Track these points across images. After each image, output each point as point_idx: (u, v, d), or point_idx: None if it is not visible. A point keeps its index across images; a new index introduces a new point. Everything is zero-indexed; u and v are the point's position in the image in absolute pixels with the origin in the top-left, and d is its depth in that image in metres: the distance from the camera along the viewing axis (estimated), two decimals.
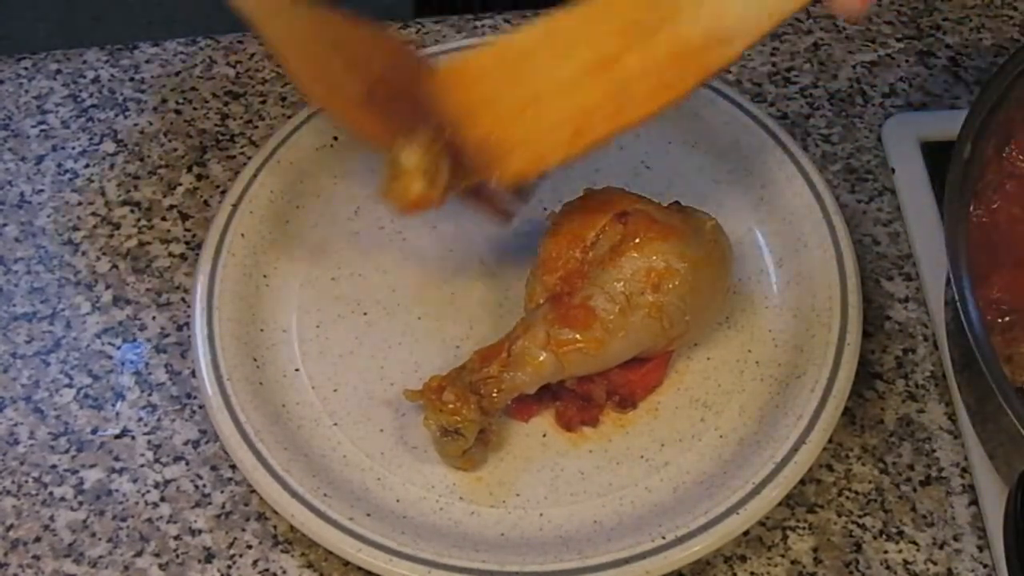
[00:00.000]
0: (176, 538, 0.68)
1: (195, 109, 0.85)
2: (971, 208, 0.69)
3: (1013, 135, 0.71)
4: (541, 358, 0.67)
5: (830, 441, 0.70)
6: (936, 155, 0.80)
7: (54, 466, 0.71)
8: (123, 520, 0.69)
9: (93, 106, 0.86)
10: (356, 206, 0.79)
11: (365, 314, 0.75)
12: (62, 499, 0.69)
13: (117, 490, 0.70)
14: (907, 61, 0.87)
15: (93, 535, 0.68)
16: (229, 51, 0.88)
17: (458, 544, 0.65)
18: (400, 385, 0.71)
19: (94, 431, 0.72)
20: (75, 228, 0.80)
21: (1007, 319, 0.66)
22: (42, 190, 0.82)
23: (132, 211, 0.81)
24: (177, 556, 0.67)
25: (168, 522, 0.69)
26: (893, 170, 0.81)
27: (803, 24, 0.89)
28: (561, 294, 0.68)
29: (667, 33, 0.64)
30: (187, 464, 0.71)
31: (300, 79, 0.76)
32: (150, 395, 0.73)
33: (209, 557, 0.67)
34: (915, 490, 0.69)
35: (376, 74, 0.74)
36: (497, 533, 0.67)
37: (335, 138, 0.80)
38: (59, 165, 0.83)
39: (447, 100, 0.65)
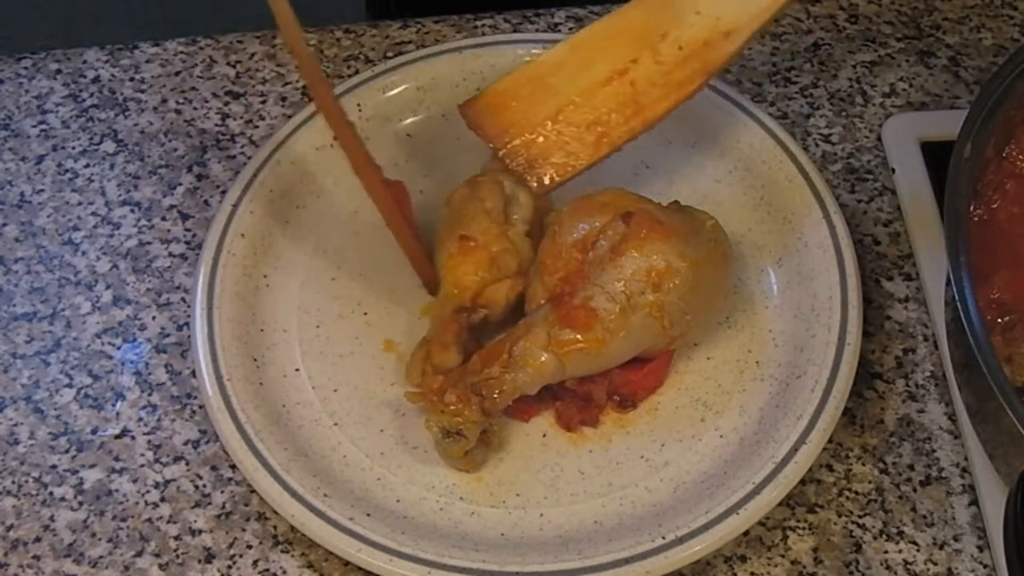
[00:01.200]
0: (176, 538, 0.68)
1: (195, 109, 0.85)
2: (971, 208, 0.69)
3: (1013, 135, 0.71)
4: (542, 359, 0.67)
5: (830, 441, 0.70)
6: (936, 155, 0.80)
7: (54, 466, 0.70)
8: (123, 520, 0.69)
9: (93, 106, 0.86)
10: (356, 206, 0.79)
11: (365, 314, 0.75)
12: (62, 499, 0.69)
13: (117, 490, 0.70)
14: (907, 61, 0.87)
15: (93, 535, 0.68)
16: (229, 51, 0.88)
17: (458, 544, 0.65)
18: (400, 385, 0.71)
19: (94, 431, 0.72)
20: (75, 228, 0.80)
21: (1007, 319, 0.66)
22: (42, 190, 0.82)
23: (132, 211, 0.81)
24: (177, 556, 0.67)
25: (168, 522, 0.69)
26: (893, 170, 0.81)
27: (803, 24, 0.89)
28: (562, 294, 0.68)
29: (672, 37, 0.72)
30: (187, 464, 0.71)
31: (309, 74, 0.71)
32: (150, 395, 0.73)
33: (209, 557, 0.67)
34: (915, 490, 0.69)
35: None
36: (497, 533, 0.67)
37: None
38: (59, 165, 0.83)
39: (485, 124, 0.74)
